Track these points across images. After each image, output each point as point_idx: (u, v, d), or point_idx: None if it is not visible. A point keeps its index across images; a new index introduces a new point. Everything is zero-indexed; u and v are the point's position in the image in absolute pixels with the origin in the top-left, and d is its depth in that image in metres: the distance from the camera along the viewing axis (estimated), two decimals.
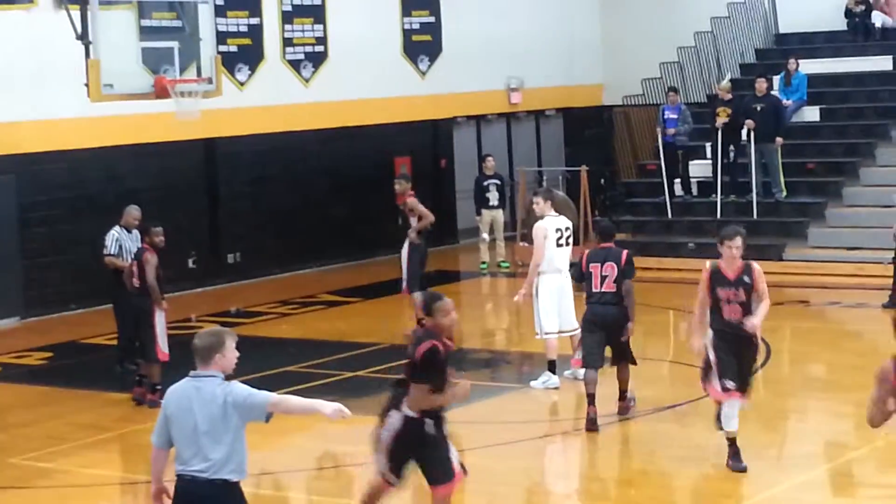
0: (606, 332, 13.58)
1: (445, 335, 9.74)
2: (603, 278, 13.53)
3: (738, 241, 11.85)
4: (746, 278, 11.84)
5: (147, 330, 14.98)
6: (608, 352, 13.82)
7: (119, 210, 16.90)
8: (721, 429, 12.04)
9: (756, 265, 12.04)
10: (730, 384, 11.72)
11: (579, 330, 15.07)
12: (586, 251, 14.05)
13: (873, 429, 8.95)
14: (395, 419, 9.77)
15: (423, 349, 9.57)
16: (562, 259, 15.09)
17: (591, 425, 13.40)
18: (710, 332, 11.90)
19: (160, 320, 15.04)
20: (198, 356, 7.94)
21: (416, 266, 17.92)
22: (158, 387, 14.49)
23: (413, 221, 17.88)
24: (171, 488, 8.03)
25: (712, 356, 11.78)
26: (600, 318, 13.55)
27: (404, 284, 17.98)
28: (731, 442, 11.99)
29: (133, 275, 15.09)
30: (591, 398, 13.48)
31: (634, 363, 13.89)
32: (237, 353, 8.01)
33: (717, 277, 11.86)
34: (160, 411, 8.06)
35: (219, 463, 7.79)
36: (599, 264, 13.57)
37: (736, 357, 11.83)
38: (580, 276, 13.91)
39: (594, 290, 13.59)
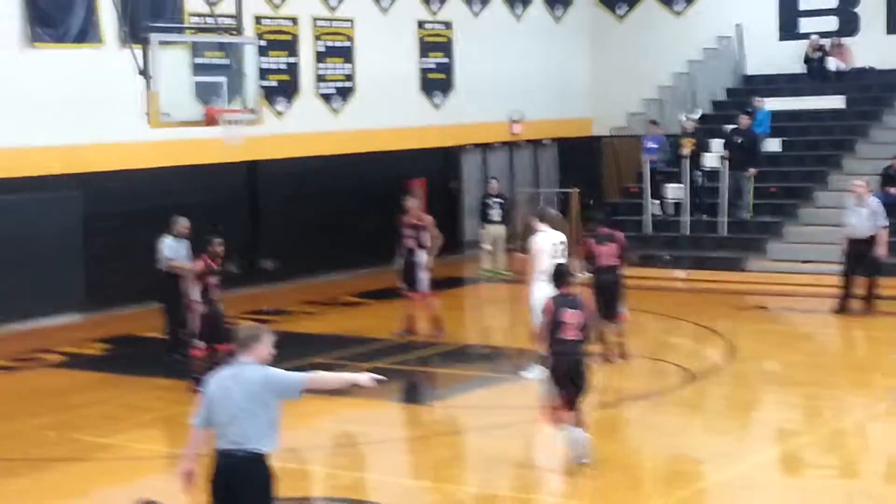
0: (607, 293, 15.66)
1: None
2: (608, 256, 15.79)
3: None
4: None
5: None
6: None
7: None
8: None
9: None
10: None
11: None
12: (592, 238, 16.15)
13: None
14: None
15: None
16: None
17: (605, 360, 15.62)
18: None
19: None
20: (239, 345, 7.99)
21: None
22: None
23: (425, 235, 17.80)
24: (200, 467, 8.00)
25: None
26: (605, 284, 15.68)
27: (424, 287, 17.77)
28: None
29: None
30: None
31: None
32: (272, 350, 8.05)
33: None
34: (203, 393, 8.02)
35: (254, 437, 7.79)
36: (605, 245, 15.82)
37: None
38: (589, 254, 15.89)
39: (599, 265, 15.78)
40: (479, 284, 23.58)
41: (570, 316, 11.44)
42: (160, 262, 16.62)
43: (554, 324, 11.41)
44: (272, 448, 7.89)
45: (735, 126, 23.87)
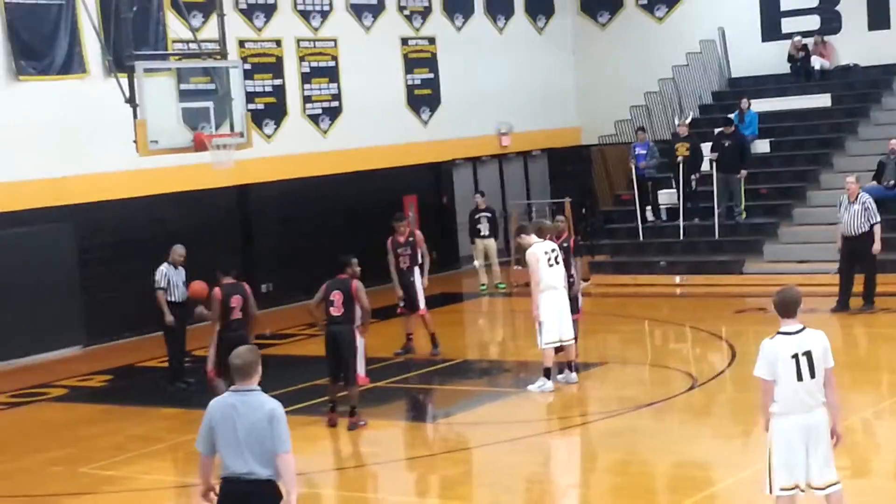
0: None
1: None
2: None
3: None
4: None
5: (350, 354, 13.92)
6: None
7: (165, 249, 16.93)
8: None
9: None
10: None
11: (573, 340, 15.20)
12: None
13: None
14: None
15: None
16: (556, 277, 15.03)
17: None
18: None
19: (361, 345, 14.08)
20: (239, 373, 7.82)
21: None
22: (356, 408, 13.90)
23: (419, 252, 17.84)
24: (217, 488, 7.97)
25: None
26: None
27: (422, 304, 17.78)
28: None
29: (338, 304, 13.94)
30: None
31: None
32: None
33: None
34: (204, 421, 7.88)
35: (260, 464, 7.73)
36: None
37: None
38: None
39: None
40: (478, 299, 23.54)
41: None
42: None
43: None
44: (277, 475, 7.83)
45: (721, 130, 23.93)
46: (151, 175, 20.55)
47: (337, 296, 13.99)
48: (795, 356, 8.60)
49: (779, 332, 8.71)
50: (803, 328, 8.72)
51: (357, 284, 14.09)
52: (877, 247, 18.67)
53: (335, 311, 14.01)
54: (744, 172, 23.37)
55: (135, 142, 16.27)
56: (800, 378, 8.63)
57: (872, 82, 26.32)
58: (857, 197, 18.72)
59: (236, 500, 7.81)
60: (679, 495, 11.25)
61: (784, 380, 8.63)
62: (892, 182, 21.87)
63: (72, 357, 20.06)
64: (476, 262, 23.85)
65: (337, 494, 12.30)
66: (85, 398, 17.15)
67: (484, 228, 23.86)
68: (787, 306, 8.73)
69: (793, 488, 8.79)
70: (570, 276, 15.74)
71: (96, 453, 13.83)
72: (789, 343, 8.63)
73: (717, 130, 24.26)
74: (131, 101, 16.32)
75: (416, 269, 17.76)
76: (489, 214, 24.13)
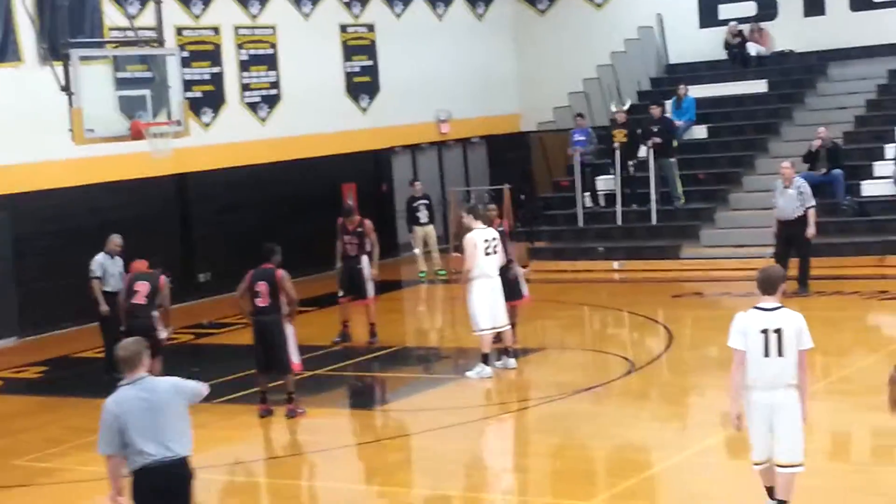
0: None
1: None
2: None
3: None
4: None
5: (281, 344, 13.74)
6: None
7: (103, 239, 16.76)
8: None
9: None
10: None
11: (509, 326, 15.20)
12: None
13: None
14: None
15: None
16: (491, 265, 15.06)
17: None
18: None
19: (291, 333, 13.89)
20: (126, 364, 7.89)
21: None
22: (293, 395, 13.83)
23: (367, 242, 17.73)
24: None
25: None
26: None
27: (370, 293, 17.70)
28: None
29: (264, 294, 13.70)
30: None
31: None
32: None
33: None
34: (103, 423, 7.87)
35: (179, 443, 7.82)
36: None
37: None
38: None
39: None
40: (418, 286, 23.52)
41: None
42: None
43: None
44: (190, 452, 7.94)
45: (650, 116, 24.03)
46: (89, 164, 20.32)
47: (262, 286, 13.80)
48: (765, 331, 8.77)
49: (754, 307, 8.85)
50: (780, 307, 8.88)
51: (282, 273, 13.90)
52: (811, 231, 18.83)
53: (261, 302, 13.82)
54: (670, 152, 23.45)
55: (70, 130, 16.06)
56: (766, 354, 8.78)
57: (807, 68, 26.52)
58: (791, 182, 18.87)
59: (163, 483, 7.83)
60: (618, 478, 11.31)
61: (751, 354, 8.88)
62: (824, 169, 22.08)
63: (6, 348, 19.79)
64: (416, 250, 23.80)
65: (276, 483, 12.21)
66: (19, 390, 16.92)
67: (423, 216, 23.80)
68: (767, 283, 8.94)
69: (762, 463, 9.17)
70: (508, 259, 15.71)
71: (31, 445, 13.65)
72: (761, 318, 8.83)
73: (647, 115, 24.28)
74: (67, 89, 16.08)
75: (364, 258, 17.65)
76: (427, 201, 24.07)
